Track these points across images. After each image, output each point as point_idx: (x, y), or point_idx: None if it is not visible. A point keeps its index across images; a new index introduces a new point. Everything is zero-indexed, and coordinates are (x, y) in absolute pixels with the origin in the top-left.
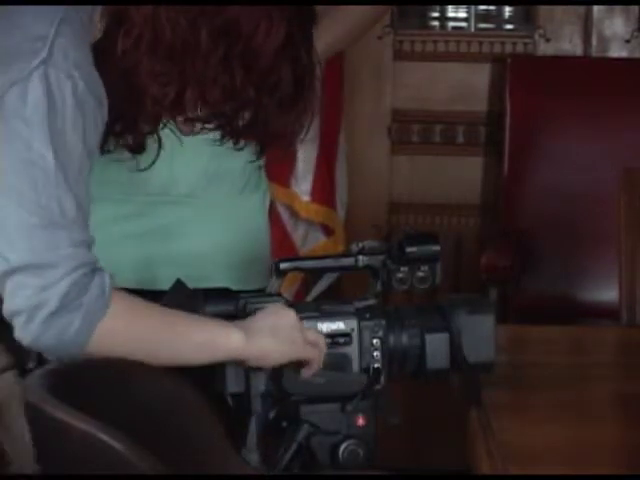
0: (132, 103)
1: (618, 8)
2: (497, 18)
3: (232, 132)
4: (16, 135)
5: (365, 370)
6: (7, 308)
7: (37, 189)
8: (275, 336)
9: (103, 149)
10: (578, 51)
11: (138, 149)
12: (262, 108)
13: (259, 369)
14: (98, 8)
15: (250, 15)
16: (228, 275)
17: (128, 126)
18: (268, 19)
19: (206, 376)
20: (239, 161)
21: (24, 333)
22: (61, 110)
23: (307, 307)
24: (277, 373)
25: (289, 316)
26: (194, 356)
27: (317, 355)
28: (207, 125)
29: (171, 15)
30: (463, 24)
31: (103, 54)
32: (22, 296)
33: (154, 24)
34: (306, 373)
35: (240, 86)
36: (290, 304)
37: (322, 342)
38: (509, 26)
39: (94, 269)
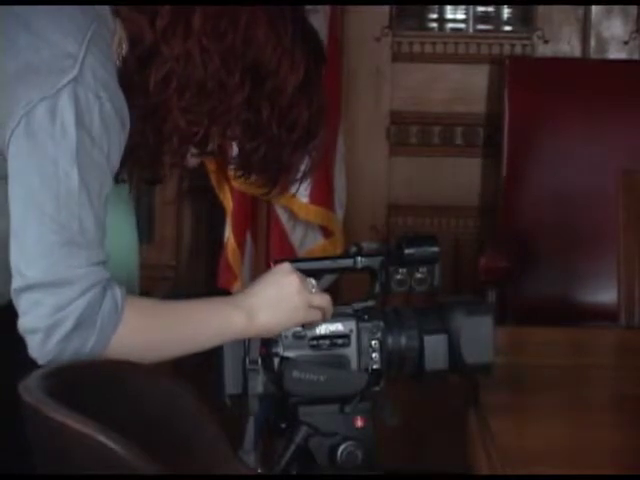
0: (159, 138)
1: (616, 10)
2: (495, 20)
3: (247, 167)
4: (43, 152)
5: (364, 371)
6: (22, 325)
7: (59, 207)
8: (277, 309)
9: (117, 178)
10: (576, 53)
11: (155, 182)
12: (279, 145)
13: (256, 370)
14: (117, 33)
15: (273, 51)
16: None
17: (153, 160)
18: (290, 56)
19: (204, 378)
20: None
21: (40, 353)
22: (88, 129)
23: None
24: (277, 375)
25: (291, 284)
26: (203, 345)
27: (321, 317)
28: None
29: (204, 53)
30: (461, 25)
31: (130, 87)
32: (38, 315)
33: (187, 62)
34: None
35: (266, 122)
36: None
37: (328, 304)
38: (507, 28)
39: (106, 285)
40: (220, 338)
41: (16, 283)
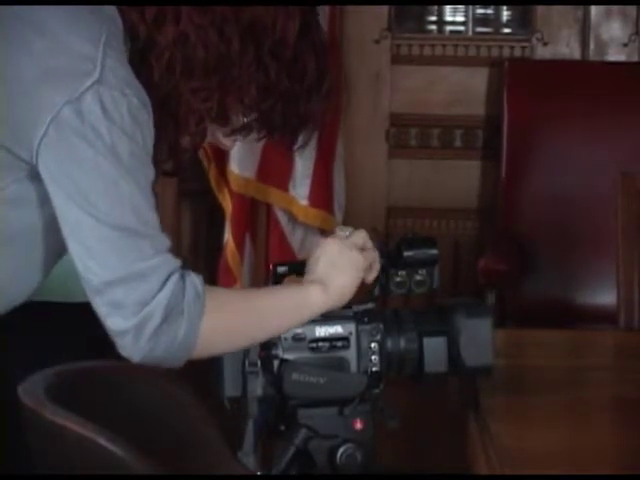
0: (177, 124)
1: (616, 12)
2: (495, 22)
3: (269, 127)
4: (81, 154)
5: (363, 374)
6: (109, 328)
7: (112, 204)
8: (341, 270)
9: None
10: (576, 55)
11: (175, 173)
12: (294, 97)
13: (256, 372)
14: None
15: (266, 7)
16: None
17: (172, 148)
18: (284, 9)
19: (204, 380)
20: None
21: (133, 352)
22: (120, 125)
23: None
24: (277, 377)
25: (333, 245)
26: (287, 326)
27: (374, 255)
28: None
29: (200, 33)
30: (461, 28)
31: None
32: (123, 315)
33: (185, 45)
34: (370, 277)
35: (276, 78)
36: None
37: (366, 237)
38: (507, 30)
39: (182, 273)
40: (303, 316)
41: (91, 284)
